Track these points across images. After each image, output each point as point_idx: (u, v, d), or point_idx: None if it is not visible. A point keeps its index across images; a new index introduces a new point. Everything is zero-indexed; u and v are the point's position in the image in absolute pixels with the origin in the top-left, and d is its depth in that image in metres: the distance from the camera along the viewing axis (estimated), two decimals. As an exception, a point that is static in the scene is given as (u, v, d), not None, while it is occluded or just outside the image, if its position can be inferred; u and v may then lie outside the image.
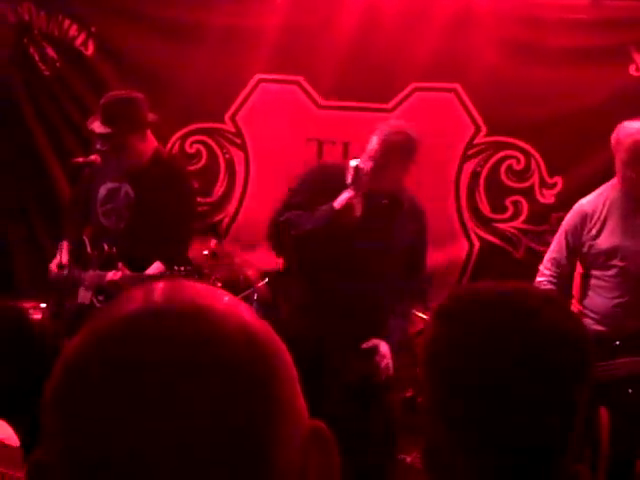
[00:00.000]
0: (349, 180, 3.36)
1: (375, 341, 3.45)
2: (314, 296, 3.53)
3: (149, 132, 3.83)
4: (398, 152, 3.42)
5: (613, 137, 3.48)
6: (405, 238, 3.55)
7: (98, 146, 3.76)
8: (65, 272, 3.71)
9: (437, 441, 1.15)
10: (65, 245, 3.85)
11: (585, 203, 3.57)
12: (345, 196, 3.36)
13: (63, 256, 3.79)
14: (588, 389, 1.14)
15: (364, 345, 3.42)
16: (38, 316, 4.70)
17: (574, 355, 1.13)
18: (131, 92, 3.81)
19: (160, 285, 0.70)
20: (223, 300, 0.69)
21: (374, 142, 3.42)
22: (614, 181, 3.54)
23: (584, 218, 3.52)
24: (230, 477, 0.63)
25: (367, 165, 3.39)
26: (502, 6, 4.78)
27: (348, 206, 3.35)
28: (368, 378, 3.45)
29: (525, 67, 4.76)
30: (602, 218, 3.50)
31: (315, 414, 0.70)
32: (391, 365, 3.47)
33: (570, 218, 3.60)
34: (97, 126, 3.72)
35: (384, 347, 3.45)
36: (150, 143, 3.84)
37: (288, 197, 3.66)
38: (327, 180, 3.52)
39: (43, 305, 4.78)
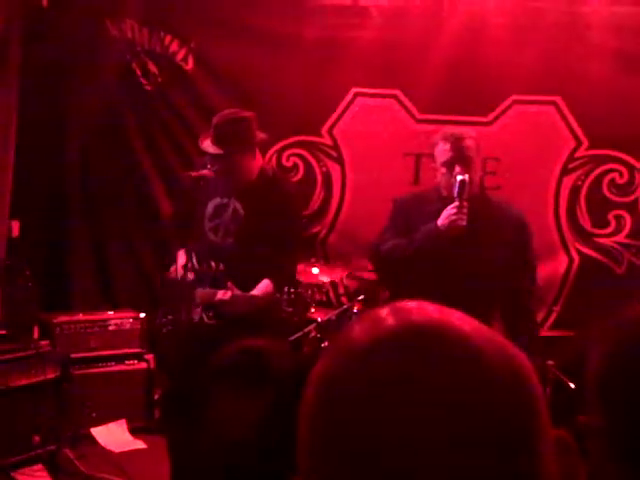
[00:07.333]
0: (455, 193, 3.37)
1: None
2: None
3: (257, 150, 3.85)
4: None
5: None
6: None
7: (209, 166, 3.74)
8: (190, 277, 3.67)
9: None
10: (184, 254, 3.80)
11: None
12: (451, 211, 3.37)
13: (184, 262, 3.74)
14: None
15: None
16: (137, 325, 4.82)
17: None
18: (242, 111, 3.82)
19: (406, 306, 0.74)
20: (469, 322, 0.72)
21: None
22: None
23: None
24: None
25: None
26: (618, 18, 4.69)
27: (453, 221, 3.35)
28: None
29: (635, 80, 4.68)
30: None
31: None
32: None
33: None
34: (208, 145, 3.73)
35: None
36: (257, 160, 3.85)
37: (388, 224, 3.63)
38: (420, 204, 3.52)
39: (142, 315, 4.87)
